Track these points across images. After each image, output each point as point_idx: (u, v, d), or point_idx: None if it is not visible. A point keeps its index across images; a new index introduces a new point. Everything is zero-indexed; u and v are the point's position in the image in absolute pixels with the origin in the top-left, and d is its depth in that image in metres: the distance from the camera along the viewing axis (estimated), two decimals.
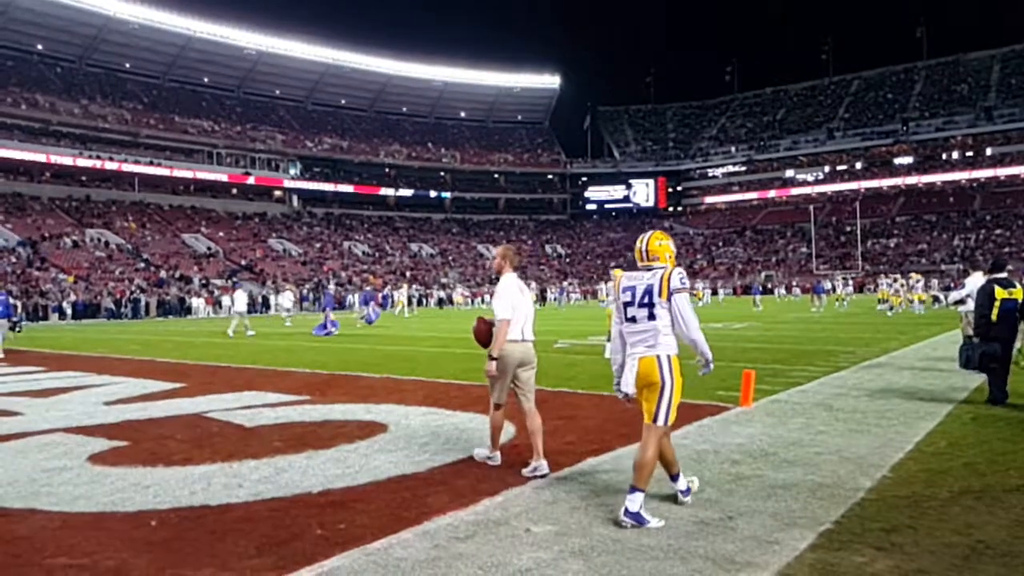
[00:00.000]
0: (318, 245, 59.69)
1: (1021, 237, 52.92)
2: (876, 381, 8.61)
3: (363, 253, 60.96)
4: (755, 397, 7.09)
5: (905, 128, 67.74)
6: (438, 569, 3.09)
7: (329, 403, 7.71)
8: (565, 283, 53.04)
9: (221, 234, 55.66)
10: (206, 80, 68.60)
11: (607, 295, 43.49)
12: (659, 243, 4.08)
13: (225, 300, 41.16)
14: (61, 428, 6.59)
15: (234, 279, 47.41)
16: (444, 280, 56.57)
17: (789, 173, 74.41)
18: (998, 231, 55.46)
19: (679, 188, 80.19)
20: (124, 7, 58.68)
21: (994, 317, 6.97)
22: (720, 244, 69.43)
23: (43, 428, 6.61)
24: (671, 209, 79.75)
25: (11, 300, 21.27)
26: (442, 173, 75.95)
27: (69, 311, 35.87)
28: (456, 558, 3.20)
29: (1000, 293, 6.99)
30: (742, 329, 18.57)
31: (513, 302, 4.71)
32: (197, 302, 40.08)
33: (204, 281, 45.58)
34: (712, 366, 4.14)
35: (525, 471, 4.70)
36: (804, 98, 79.64)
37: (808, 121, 75.62)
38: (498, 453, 4.98)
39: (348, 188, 69.53)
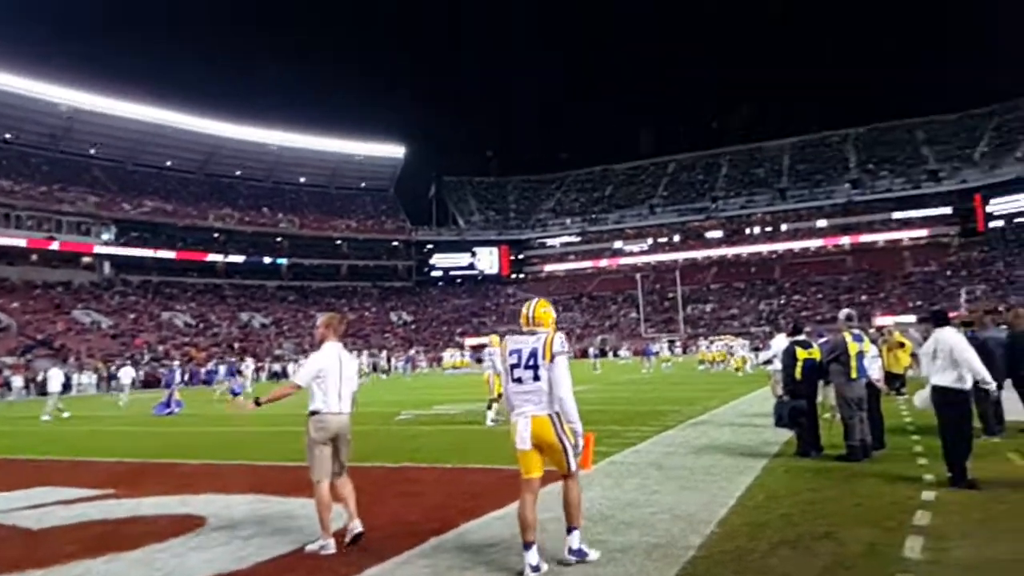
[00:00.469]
0: (132, 316, 54.70)
1: (815, 302, 59.78)
2: (701, 438, 9.16)
3: (184, 324, 56.60)
4: (595, 459, 7.26)
5: (714, 205, 75.29)
6: None
7: (138, 496, 6.86)
8: (411, 351, 52.34)
9: (15, 305, 49.48)
10: (8, 137, 62.15)
11: (481, 360, 43.48)
12: (543, 310, 4.42)
13: (16, 381, 36.19)
14: None
15: (28, 356, 42.09)
16: (278, 352, 53.76)
17: (618, 244, 79.58)
18: (796, 297, 62.38)
19: (520, 256, 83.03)
20: None
21: (798, 375, 7.72)
22: (559, 310, 71.87)
23: None
24: (513, 276, 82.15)
25: None
26: (279, 239, 73.19)
27: None
28: None
29: (801, 354, 7.77)
30: (582, 392, 19.18)
31: (320, 372, 4.72)
32: None
33: None
34: (581, 442, 4.30)
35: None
36: (629, 177, 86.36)
37: (633, 197, 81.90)
38: (331, 540, 4.63)
39: (170, 254, 64.75)
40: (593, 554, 4.11)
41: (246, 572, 4.28)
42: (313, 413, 4.72)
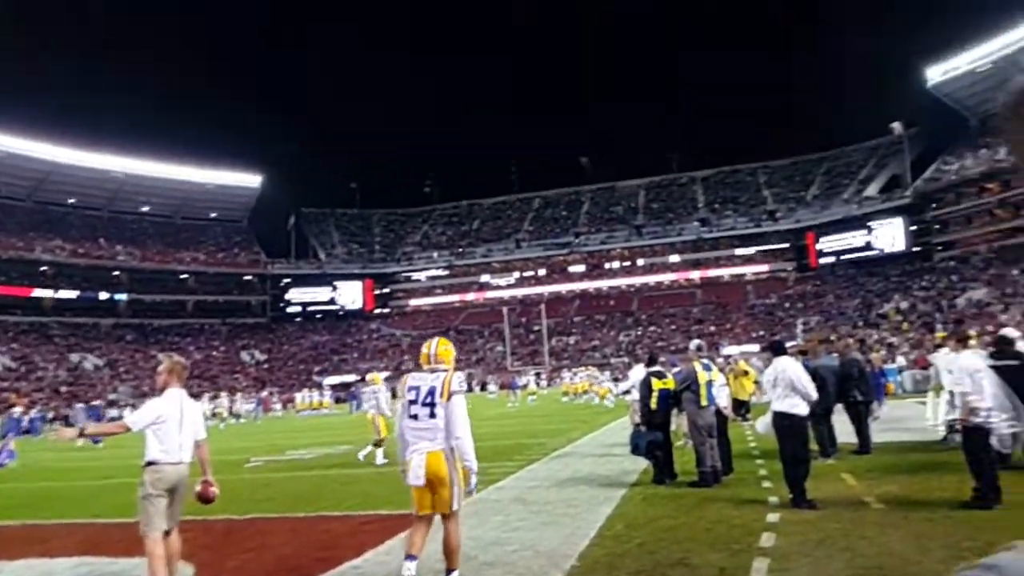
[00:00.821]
0: None
1: (669, 333, 63.19)
2: (564, 471, 9.26)
3: (4, 368, 50.62)
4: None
5: (577, 240, 78.21)
6: None
7: None
8: (263, 393, 49.40)
9: None
10: None
11: (315, 401, 41.59)
12: (444, 348, 4.55)
13: None
14: None
15: None
16: (113, 396, 49.15)
17: (485, 278, 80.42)
18: (652, 328, 65.70)
19: (386, 290, 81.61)
20: None
21: (653, 405, 8.02)
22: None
23: None
24: (378, 311, 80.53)
25: None
26: (117, 272, 67.38)
27: None
28: None
29: (656, 384, 8.10)
30: None
31: (158, 419, 4.51)
32: None
33: None
34: (475, 482, 4.46)
35: None
36: (495, 211, 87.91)
37: (499, 232, 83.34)
38: None
39: None
40: None
41: None
42: (149, 463, 4.46)
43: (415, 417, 4.26)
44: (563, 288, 77.47)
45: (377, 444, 11.67)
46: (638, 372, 9.94)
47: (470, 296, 79.73)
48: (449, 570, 4.24)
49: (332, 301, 78.36)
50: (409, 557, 4.18)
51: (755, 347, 51.30)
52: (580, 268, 78.16)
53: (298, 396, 44.47)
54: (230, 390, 47.48)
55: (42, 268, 62.18)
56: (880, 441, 9.83)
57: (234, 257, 76.26)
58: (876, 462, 8.52)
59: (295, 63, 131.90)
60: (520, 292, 78.40)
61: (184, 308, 71.66)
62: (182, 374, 4.79)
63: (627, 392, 10.72)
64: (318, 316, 77.87)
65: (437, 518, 4.40)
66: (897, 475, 7.49)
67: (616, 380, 30.96)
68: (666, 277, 74.84)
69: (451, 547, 4.26)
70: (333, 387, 54.10)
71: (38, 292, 61.32)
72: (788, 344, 8.45)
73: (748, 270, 71.44)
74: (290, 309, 77.62)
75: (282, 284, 77.99)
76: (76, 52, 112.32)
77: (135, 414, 4.59)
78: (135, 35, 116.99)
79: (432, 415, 4.21)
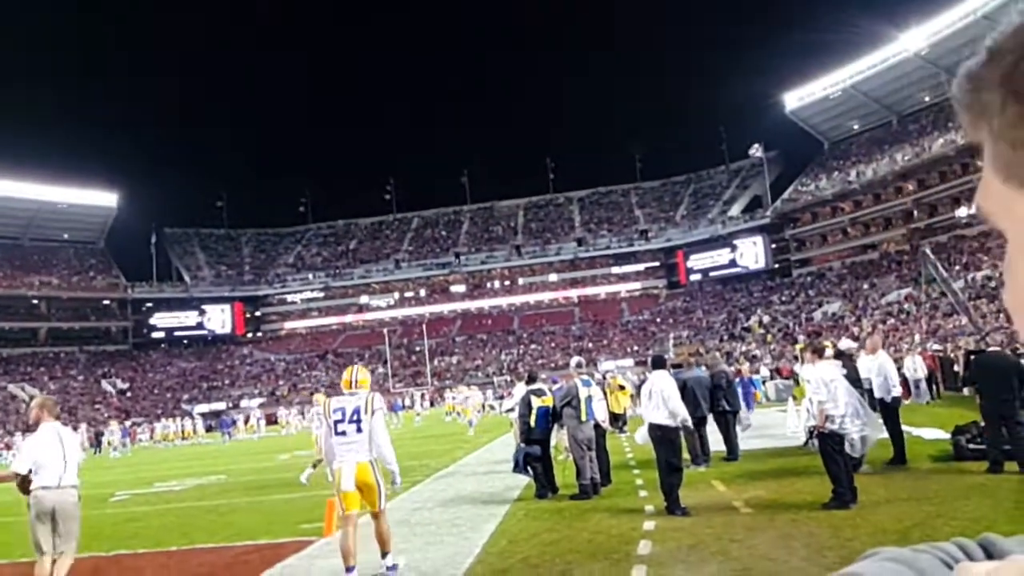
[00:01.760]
0: None
1: (550, 350, 64.53)
2: (447, 491, 9.29)
3: None
4: (337, 525, 6.97)
5: (457, 260, 78.46)
6: None
7: None
8: (127, 423, 45.86)
9: None
10: None
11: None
12: (363, 376, 5.41)
13: None
14: None
15: None
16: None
17: (364, 299, 78.85)
18: (533, 346, 66.85)
19: (258, 314, 78.11)
20: None
21: (532, 422, 8.24)
22: (303, 369, 69.07)
23: None
24: (250, 335, 76.94)
25: None
26: None
27: None
28: None
29: (536, 402, 8.33)
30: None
31: (37, 456, 4.99)
32: None
33: None
34: (400, 481, 5.40)
35: None
36: (373, 231, 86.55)
37: (378, 252, 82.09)
38: None
39: None
40: (402, 561, 5.21)
41: None
42: (32, 491, 4.96)
43: (343, 433, 5.01)
44: (444, 308, 77.40)
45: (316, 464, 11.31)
46: (520, 389, 10.17)
47: (348, 318, 77.94)
48: (384, 553, 5.08)
49: (200, 326, 74.10)
50: (349, 569, 4.86)
51: (629, 361, 53.48)
52: (461, 288, 78.46)
53: (158, 426, 41.74)
54: (90, 421, 43.79)
55: None
56: (747, 448, 10.46)
57: (90, 281, 70.59)
58: (744, 468, 9.11)
59: (148, 66, 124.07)
60: (401, 313, 77.57)
61: (36, 336, 65.52)
62: (53, 408, 5.35)
63: (511, 410, 10.92)
64: (185, 342, 73.41)
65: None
66: (763, 480, 8.03)
67: (500, 398, 31.30)
68: (546, 296, 76.52)
69: (383, 537, 5.10)
70: (203, 415, 51.15)
71: None
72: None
73: (623, 288, 74.34)
74: (154, 335, 72.65)
75: (144, 308, 72.87)
76: None
77: (18, 460, 5.08)
78: None
79: (359, 430, 4.98)
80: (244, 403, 58.22)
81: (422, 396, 45.07)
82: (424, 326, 66.60)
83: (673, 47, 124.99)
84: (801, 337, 42.68)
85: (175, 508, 10.37)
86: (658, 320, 65.75)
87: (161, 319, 72.94)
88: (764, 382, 24.35)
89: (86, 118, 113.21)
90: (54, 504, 4.89)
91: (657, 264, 73.39)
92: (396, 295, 78.79)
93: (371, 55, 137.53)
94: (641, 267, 73.98)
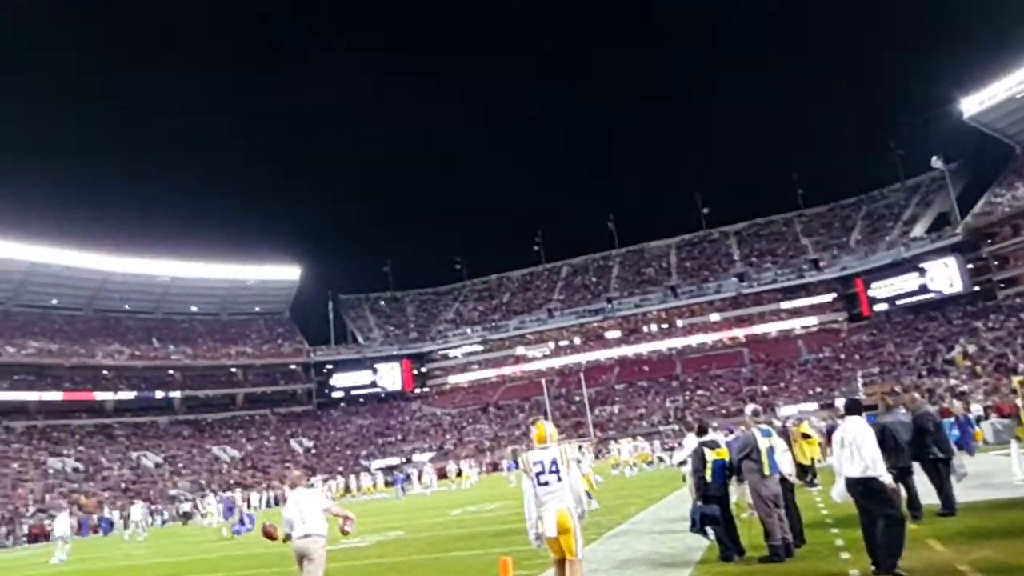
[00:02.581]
0: (15, 465, 49.52)
1: (719, 396, 61.48)
2: (622, 551, 8.87)
3: (72, 469, 51.60)
4: None
5: (610, 305, 77.78)
6: None
7: None
8: (227, 494, 48.32)
9: None
10: None
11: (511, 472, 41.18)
12: (552, 430, 5.87)
13: None
14: None
15: None
16: (173, 492, 49.44)
17: (521, 350, 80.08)
18: (699, 392, 64.01)
19: (423, 370, 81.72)
20: None
21: (708, 477, 7.69)
22: (467, 422, 70.89)
23: None
24: (418, 390, 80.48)
25: None
26: (171, 371, 69.02)
27: None
28: None
29: (710, 455, 7.79)
30: (496, 510, 18.48)
31: (288, 512, 6.83)
32: None
33: None
34: (586, 517, 5.91)
35: None
36: (525, 283, 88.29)
37: (530, 303, 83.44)
38: None
39: (57, 395, 59.75)
40: None
41: None
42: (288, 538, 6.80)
43: (546, 484, 5.47)
44: (601, 355, 76.57)
45: None
46: (691, 441, 9.62)
47: (507, 370, 79.30)
48: None
49: (373, 384, 78.72)
50: None
51: (813, 405, 49.46)
52: (616, 333, 77.40)
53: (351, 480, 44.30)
54: (280, 479, 47.41)
55: (103, 372, 64.20)
56: (965, 501, 9.19)
57: (278, 348, 77.58)
58: (965, 524, 7.95)
59: (324, 155, 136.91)
60: (557, 362, 77.76)
61: (234, 401, 72.82)
62: (298, 479, 7.38)
63: (683, 463, 10.35)
64: (361, 400, 78.18)
65: None
66: (991, 539, 6.93)
67: (670, 450, 30.13)
68: (709, 337, 73.38)
69: None
70: (380, 470, 53.72)
71: (100, 395, 63.11)
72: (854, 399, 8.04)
73: (797, 323, 69.42)
74: (334, 394, 78.16)
75: (325, 370, 78.84)
76: (121, 164, 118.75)
77: (284, 522, 6.87)
78: (174, 145, 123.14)
79: (559, 479, 5.45)
80: (416, 457, 60.53)
81: (580, 448, 44.28)
82: (582, 374, 66.12)
83: (828, 57, 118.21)
84: (1022, 366, 37.40)
85: (360, 565, 10.74)
86: (842, 357, 60.44)
87: (340, 379, 78.36)
88: (979, 421, 21.49)
89: (274, 204, 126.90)
90: (301, 550, 6.57)
91: (834, 295, 67.85)
92: (551, 344, 79.26)
93: (516, 105, 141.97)
94: (816, 300, 68.82)
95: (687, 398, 63.27)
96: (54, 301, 67.73)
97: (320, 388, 78.41)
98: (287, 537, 6.79)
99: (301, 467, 60.67)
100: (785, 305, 70.19)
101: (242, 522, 21.70)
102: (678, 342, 74.43)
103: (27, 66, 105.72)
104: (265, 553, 15.01)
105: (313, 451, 66.90)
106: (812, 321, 68.77)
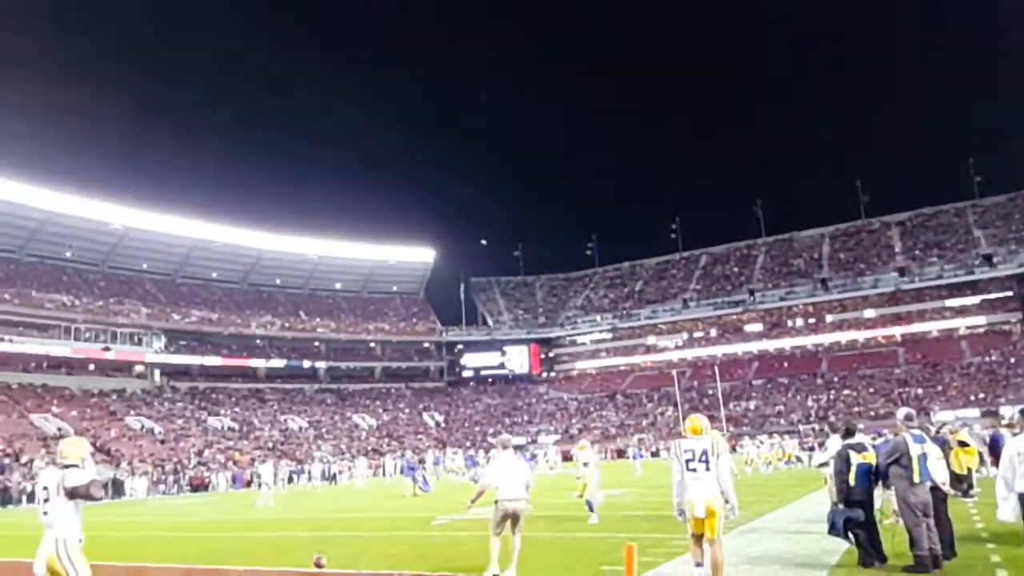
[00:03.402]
0: (179, 422, 55.35)
1: (867, 397, 57.55)
2: (753, 547, 8.64)
3: (228, 428, 56.95)
4: (638, 571, 6.86)
5: (752, 297, 74.42)
6: None
7: None
8: (448, 451, 50.99)
9: (74, 413, 50.55)
10: (68, 254, 65.18)
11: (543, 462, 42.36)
12: (705, 423, 6.43)
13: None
14: None
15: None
16: (317, 454, 53.39)
17: (651, 340, 78.67)
18: (845, 391, 60.12)
19: (551, 354, 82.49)
20: None
21: (852, 481, 7.31)
22: (593, 408, 70.88)
23: None
24: (544, 374, 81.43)
25: None
26: (316, 343, 74.27)
27: None
28: None
29: (855, 458, 7.39)
30: (620, 496, 18.46)
31: (497, 474, 7.33)
32: None
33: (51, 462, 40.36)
34: (737, 514, 6.52)
35: None
36: (659, 272, 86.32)
37: (664, 292, 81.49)
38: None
39: (216, 360, 66.12)
40: None
41: None
42: (497, 501, 7.30)
43: (694, 471, 6.08)
44: (739, 349, 73.70)
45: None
46: (835, 442, 9.18)
47: (636, 359, 78.24)
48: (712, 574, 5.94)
49: (502, 365, 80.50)
50: (698, 565, 6.07)
51: (974, 411, 45.44)
52: (757, 327, 74.19)
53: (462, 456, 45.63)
54: (413, 449, 49.81)
55: (257, 341, 70.17)
56: None
57: (413, 326, 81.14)
58: None
59: (462, 139, 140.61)
60: (690, 354, 75.75)
61: (373, 374, 77.24)
62: (507, 442, 7.91)
63: (824, 464, 9.89)
64: (490, 380, 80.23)
65: None
66: None
67: (810, 449, 28.70)
68: (860, 334, 68.60)
69: (716, 563, 5.92)
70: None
71: (254, 362, 69.08)
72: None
73: (961, 323, 63.52)
74: (464, 373, 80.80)
75: (456, 350, 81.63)
76: (276, 149, 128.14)
77: (484, 477, 7.55)
78: (323, 128, 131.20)
79: (707, 468, 6.03)
80: (541, 439, 61.39)
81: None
82: (716, 368, 64.06)
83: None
84: None
85: (483, 535, 11.11)
86: (1012, 361, 54.84)
87: (470, 359, 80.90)
88: None
89: (412, 187, 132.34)
90: (512, 510, 7.12)
91: (1008, 294, 61.38)
92: (684, 335, 77.30)
93: (650, 83, 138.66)
94: (985, 298, 62.58)
95: (831, 397, 59.76)
96: (214, 274, 74.58)
97: (451, 366, 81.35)
98: (478, 495, 7.45)
99: (432, 439, 63.54)
100: (950, 303, 64.37)
101: (426, 481, 24.06)
102: (825, 338, 70.28)
103: (184, 50, 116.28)
104: (445, 507, 15.98)
105: (443, 425, 69.65)
106: (979, 321, 62.72)
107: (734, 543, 9.08)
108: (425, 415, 71.00)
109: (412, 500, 21.75)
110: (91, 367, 59.05)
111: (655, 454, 46.51)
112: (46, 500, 4.91)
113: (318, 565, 7.24)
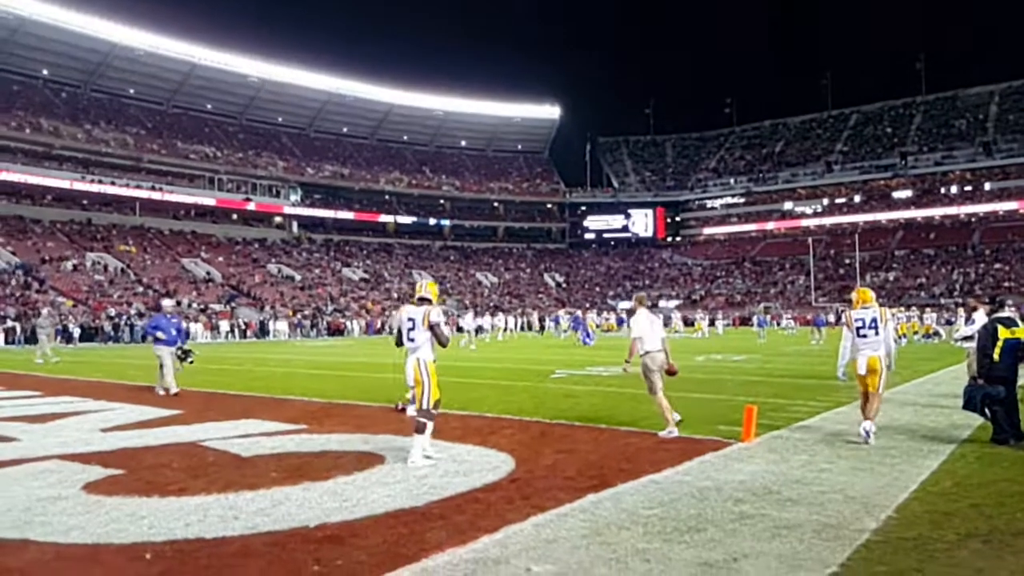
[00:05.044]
0: (316, 271, 59.80)
1: (1020, 271, 52.99)
2: (879, 417, 8.54)
3: (360, 279, 61.02)
4: (756, 432, 7.03)
5: (904, 162, 68.24)
6: None
7: (326, 433, 7.64)
8: (576, 312, 52.28)
9: (220, 259, 55.75)
10: (209, 107, 69.23)
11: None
12: (871, 294, 7.26)
13: (223, 325, 41.14)
14: (57, 455, 6.51)
15: (231, 304, 47.33)
16: (444, 308, 56.51)
17: (788, 205, 74.76)
18: (997, 265, 55.55)
19: (678, 219, 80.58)
20: (130, 34, 59.45)
21: (996, 357, 6.95)
22: (719, 275, 69.57)
23: (39, 455, 6.53)
24: (670, 239, 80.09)
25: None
26: (442, 201, 76.37)
27: (77, 334, 35.36)
28: None
29: (1003, 332, 6.97)
30: (741, 362, 18.50)
31: (643, 327, 7.55)
32: (195, 327, 39.84)
33: (203, 306, 45.51)
34: (894, 367, 7.74)
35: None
36: (802, 131, 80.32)
37: (806, 154, 76.16)
38: (674, 426, 7.25)
39: (348, 215, 69.86)
40: (872, 439, 6.74)
41: (422, 509, 4.65)
42: (646, 352, 7.50)
43: (865, 336, 6.94)
44: (883, 217, 68.85)
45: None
46: (981, 317, 8.68)
47: (770, 225, 75.01)
48: (866, 418, 6.90)
49: (625, 228, 79.76)
50: (867, 420, 6.89)
51: None
52: (906, 193, 68.56)
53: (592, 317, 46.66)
54: (535, 307, 51.54)
55: (385, 197, 73.08)
56: None
57: (536, 186, 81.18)
58: None
59: None
60: (829, 221, 71.65)
61: (495, 233, 78.99)
62: (645, 301, 8.07)
63: (968, 338, 9.41)
64: (612, 243, 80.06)
65: None
66: None
67: (948, 323, 27.19)
68: (1021, 205, 62.11)
69: (871, 407, 6.95)
70: (628, 311, 55.44)
71: (383, 217, 72.37)
72: None
73: None
74: (586, 236, 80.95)
75: (579, 212, 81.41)
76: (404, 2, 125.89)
77: (634, 330, 7.63)
78: None
79: (876, 333, 6.90)
80: (662, 303, 61.45)
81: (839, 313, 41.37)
82: (856, 236, 60.49)
83: None
84: None
85: (600, 391, 11.65)
86: None
87: (592, 222, 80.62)
88: None
89: (538, 40, 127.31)
90: (660, 362, 7.49)
91: None
92: (825, 201, 72.85)
93: None
94: None
95: (980, 271, 55.43)
96: (345, 129, 76.97)
97: (573, 228, 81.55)
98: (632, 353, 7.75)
99: (552, 299, 65.29)
100: None
101: (588, 334, 26.17)
102: (981, 208, 64.24)
103: None
104: (562, 362, 16.97)
105: (564, 286, 71.05)
106: None
107: (857, 412, 9.02)
108: (546, 275, 72.55)
109: (533, 354, 22.86)
110: (234, 216, 64.15)
111: (778, 323, 45.54)
112: (411, 329, 6.16)
113: (401, 410, 8.69)
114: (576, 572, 3.45)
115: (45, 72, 60.65)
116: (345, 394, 11.43)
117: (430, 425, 6.13)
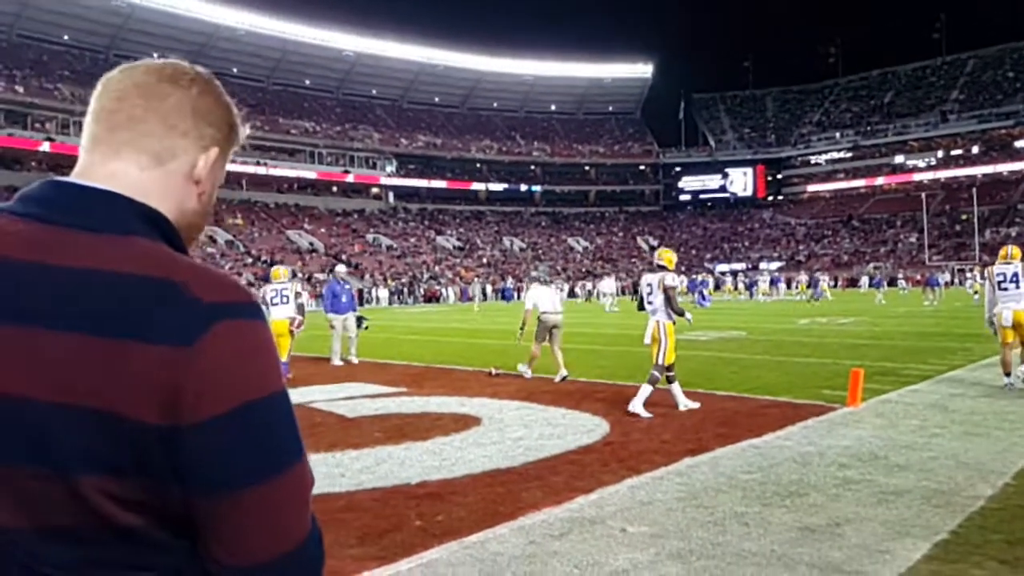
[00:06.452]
0: (412, 240, 61.29)
1: None
2: (997, 380, 8.01)
3: (454, 247, 62.09)
4: (863, 397, 6.76)
5: None
6: (534, 566, 3.13)
7: (425, 395, 7.93)
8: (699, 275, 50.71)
9: (323, 230, 58.06)
10: (307, 82, 71.50)
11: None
12: (1017, 250, 7.62)
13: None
14: None
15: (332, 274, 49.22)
16: (534, 274, 56.76)
17: (899, 159, 70.04)
18: None
19: (779, 176, 77.00)
20: (232, 15, 61.99)
21: None
22: (824, 234, 66.33)
23: None
24: (770, 198, 76.81)
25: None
26: (532, 167, 76.17)
27: None
28: (551, 556, 3.23)
29: None
30: (848, 325, 17.70)
31: (539, 296, 8.95)
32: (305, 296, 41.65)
33: (307, 276, 47.65)
34: None
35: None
36: (914, 80, 74.66)
37: (919, 104, 70.84)
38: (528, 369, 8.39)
39: (441, 184, 70.94)
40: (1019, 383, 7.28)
41: (518, 469, 4.79)
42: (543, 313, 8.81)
43: (1006, 289, 7.32)
44: (1004, 168, 63.51)
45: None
46: None
47: (879, 180, 70.59)
48: (1009, 373, 7.39)
49: (723, 188, 77.03)
50: (1007, 375, 7.31)
51: None
52: None
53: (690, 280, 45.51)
54: (627, 272, 50.86)
55: (476, 165, 73.61)
56: None
57: (628, 149, 79.53)
58: None
59: None
60: (944, 174, 66.70)
61: (587, 197, 78.19)
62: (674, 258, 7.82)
63: None
64: (708, 204, 77.58)
65: None
66: None
67: None
68: None
69: (1010, 358, 7.35)
70: (724, 275, 53.87)
71: (475, 185, 73.04)
72: None
73: None
74: (681, 197, 78.75)
75: (673, 173, 79.21)
76: None
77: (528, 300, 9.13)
78: None
79: (1018, 287, 7.24)
80: (763, 265, 59.37)
81: (963, 272, 38.60)
82: (975, 190, 56.03)
83: None
84: None
85: (698, 356, 11.46)
86: None
87: (688, 183, 78.29)
88: None
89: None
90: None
91: None
92: (939, 153, 67.81)
93: None
94: None
95: None
96: (436, 99, 77.62)
97: (667, 190, 79.51)
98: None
99: (646, 263, 64.23)
100: None
101: (704, 297, 25.71)
102: None
103: None
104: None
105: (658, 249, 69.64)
106: None
107: (973, 376, 8.53)
108: (639, 239, 71.32)
109: (627, 319, 22.68)
110: (334, 189, 66.38)
111: (892, 283, 42.86)
112: (649, 293, 6.85)
113: (495, 375, 9.33)
114: (672, 534, 3.47)
115: (154, 55, 63.87)
116: (442, 359, 11.78)
117: (654, 384, 6.58)
